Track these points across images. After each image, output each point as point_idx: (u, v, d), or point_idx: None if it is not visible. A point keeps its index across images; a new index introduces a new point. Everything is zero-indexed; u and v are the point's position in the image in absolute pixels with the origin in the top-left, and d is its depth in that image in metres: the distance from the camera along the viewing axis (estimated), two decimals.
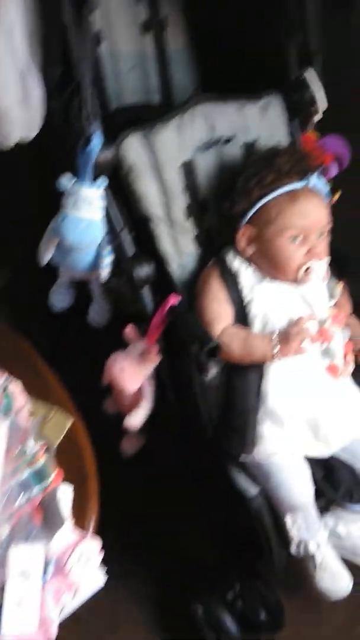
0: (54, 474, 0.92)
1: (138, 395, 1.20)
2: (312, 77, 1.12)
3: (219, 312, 1.07)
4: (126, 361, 1.14)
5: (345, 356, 1.12)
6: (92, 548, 0.91)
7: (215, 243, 1.15)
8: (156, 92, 1.35)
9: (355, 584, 1.22)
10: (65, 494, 0.93)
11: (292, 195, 1.04)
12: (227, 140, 1.14)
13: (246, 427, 1.06)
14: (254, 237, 1.07)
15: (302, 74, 1.14)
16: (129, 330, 1.14)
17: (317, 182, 1.05)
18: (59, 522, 0.89)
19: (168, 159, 1.08)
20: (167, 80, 1.34)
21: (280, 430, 1.06)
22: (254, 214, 1.06)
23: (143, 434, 1.29)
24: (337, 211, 1.38)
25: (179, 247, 1.13)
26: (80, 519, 0.94)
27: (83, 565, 0.88)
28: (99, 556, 0.91)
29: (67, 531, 0.90)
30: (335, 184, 1.37)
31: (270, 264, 1.07)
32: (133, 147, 1.05)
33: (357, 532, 1.18)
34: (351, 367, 1.12)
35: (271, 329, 1.05)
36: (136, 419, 1.19)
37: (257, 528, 1.09)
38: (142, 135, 1.06)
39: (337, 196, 1.40)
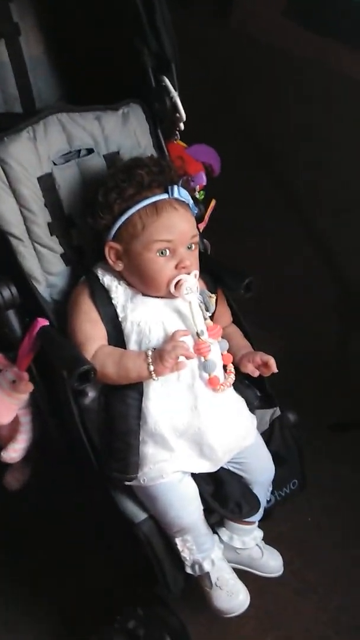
0: None
1: (14, 426, 1.12)
2: (168, 85, 1.10)
3: (91, 333, 1.01)
4: None
5: (225, 367, 1.11)
6: None
7: (85, 260, 1.09)
8: (17, 101, 1.27)
9: (260, 594, 1.22)
10: None
11: (156, 207, 1.00)
12: (89, 152, 1.09)
13: (128, 450, 1.01)
14: (121, 252, 1.03)
15: (162, 81, 1.11)
16: None
17: (181, 193, 1.02)
18: None
19: (22, 172, 1.01)
20: (28, 89, 1.27)
21: (163, 451, 1.02)
22: (119, 228, 1.01)
23: (28, 466, 1.21)
24: (210, 220, 1.40)
25: (46, 267, 1.06)
26: None
27: None
28: None
29: None
30: (209, 193, 1.37)
31: (140, 279, 1.03)
32: None
33: (252, 542, 1.17)
34: (232, 378, 1.10)
35: (147, 346, 1.01)
36: (13, 453, 1.11)
37: (148, 554, 1.05)
38: None
39: (212, 205, 1.40)
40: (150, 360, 0.98)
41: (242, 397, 1.14)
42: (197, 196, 1.28)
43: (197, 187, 1.26)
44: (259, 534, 1.19)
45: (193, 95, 1.18)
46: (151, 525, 1.04)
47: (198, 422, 1.03)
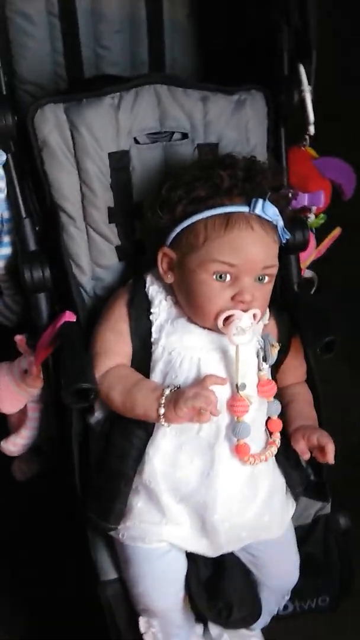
0: None
1: (21, 419, 1.01)
2: (301, 75, 0.87)
3: (111, 346, 0.85)
4: (5, 378, 0.94)
5: (271, 435, 0.88)
6: None
7: (144, 259, 0.92)
8: (144, 67, 1.13)
9: None
10: None
11: (227, 220, 0.79)
12: (184, 136, 0.91)
13: (115, 495, 0.83)
14: (175, 263, 0.84)
15: (296, 68, 0.88)
16: (19, 340, 0.94)
17: (266, 209, 0.79)
18: None
19: (92, 144, 0.85)
20: (160, 55, 1.11)
21: (154, 511, 0.83)
22: (179, 234, 0.82)
23: (36, 460, 1.09)
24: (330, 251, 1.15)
25: (95, 256, 0.91)
26: None
27: None
28: None
29: None
30: (334, 220, 1.12)
31: (187, 300, 0.83)
32: (48, 121, 0.84)
33: None
34: (272, 451, 0.86)
35: (171, 381, 0.82)
36: (12, 446, 1.00)
37: (107, 620, 0.88)
38: (62, 107, 0.85)
39: (335, 234, 1.15)
40: (163, 401, 0.79)
41: (285, 477, 0.91)
42: (311, 220, 1.04)
43: (314, 209, 1.02)
44: None
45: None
46: (118, 590, 0.87)
47: (205, 492, 0.82)
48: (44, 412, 0.98)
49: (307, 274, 1.14)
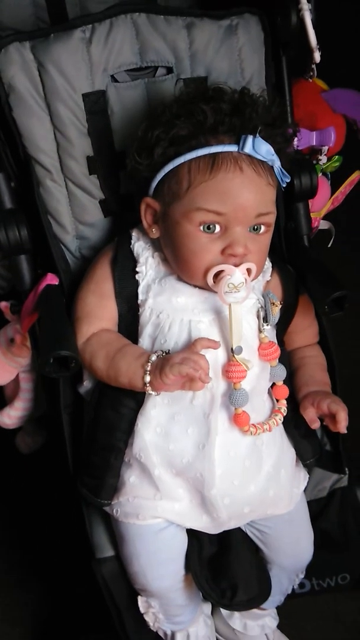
0: None
1: (15, 390, 0.96)
2: None
3: (94, 310, 0.77)
4: None
5: (278, 401, 0.79)
6: None
7: (134, 215, 0.84)
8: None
9: None
10: None
11: (212, 161, 0.69)
12: (169, 71, 0.81)
13: (105, 469, 0.78)
14: (159, 214, 0.75)
15: None
16: (4, 307, 0.89)
17: (257, 147, 0.69)
18: None
19: (62, 85, 0.77)
20: None
21: (147, 485, 0.77)
22: (161, 181, 0.73)
23: (41, 432, 1.05)
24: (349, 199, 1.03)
25: (77, 212, 0.83)
26: None
27: None
28: None
29: None
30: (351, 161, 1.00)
31: (173, 256, 0.74)
32: (13, 62, 0.76)
33: (256, 630, 0.89)
34: (277, 420, 0.78)
35: (161, 346, 0.75)
36: (6, 419, 0.95)
37: (106, 598, 0.83)
38: (29, 45, 0.76)
39: (354, 178, 1.03)
40: (148, 368, 0.71)
41: (295, 448, 0.83)
42: (323, 162, 0.93)
43: (324, 150, 0.91)
44: (271, 622, 0.90)
45: None
46: (115, 568, 0.81)
47: (202, 466, 0.75)
48: (38, 382, 0.94)
49: (323, 225, 1.03)
